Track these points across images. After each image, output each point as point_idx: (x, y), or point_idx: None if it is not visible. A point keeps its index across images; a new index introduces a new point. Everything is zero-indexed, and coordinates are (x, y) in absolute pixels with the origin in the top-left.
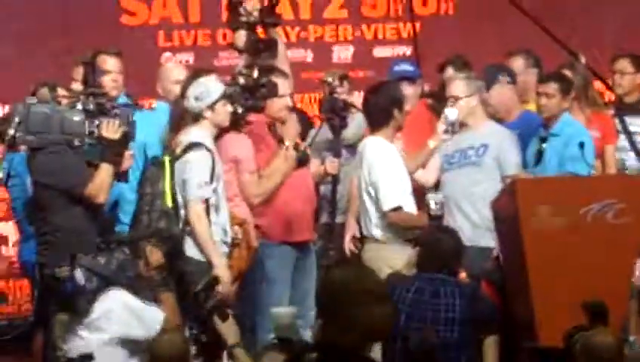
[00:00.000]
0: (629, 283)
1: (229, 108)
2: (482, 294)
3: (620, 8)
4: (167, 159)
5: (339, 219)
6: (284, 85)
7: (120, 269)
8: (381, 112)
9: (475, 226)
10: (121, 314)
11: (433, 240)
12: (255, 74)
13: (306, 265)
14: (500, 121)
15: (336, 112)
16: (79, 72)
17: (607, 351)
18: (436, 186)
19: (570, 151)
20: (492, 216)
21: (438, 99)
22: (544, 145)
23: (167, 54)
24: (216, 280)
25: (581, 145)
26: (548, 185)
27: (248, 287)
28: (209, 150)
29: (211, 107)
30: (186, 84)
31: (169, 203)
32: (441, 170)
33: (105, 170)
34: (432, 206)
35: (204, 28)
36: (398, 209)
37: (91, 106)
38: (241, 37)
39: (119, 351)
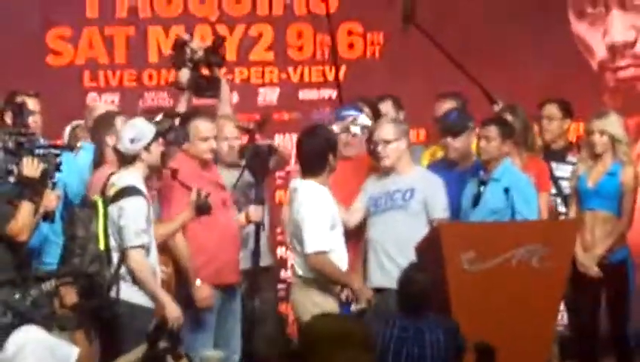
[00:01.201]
0: (553, 327)
1: (161, 148)
2: (458, 327)
3: (546, 53)
4: (99, 201)
5: (264, 263)
6: (208, 127)
7: (34, 306)
8: (317, 158)
9: (401, 269)
10: (35, 350)
11: (405, 281)
12: (158, 118)
13: (232, 308)
14: (454, 166)
15: (261, 158)
16: None
17: None
18: (360, 228)
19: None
20: (417, 260)
21: None
22: (482, 189)
23: (93, 95)
24: (164, 321)
25: (506, 190)
26: (472, 230)
27: None
28: (143, 195)
29: (147, 148)
30: (102, 126)
31: (102, 246)
32: (368, 213)
33: (26, 209)
34: None
35: (129, 68)
36: (320, 253)
37: (10, 145)
38: (184, 75)
39: None
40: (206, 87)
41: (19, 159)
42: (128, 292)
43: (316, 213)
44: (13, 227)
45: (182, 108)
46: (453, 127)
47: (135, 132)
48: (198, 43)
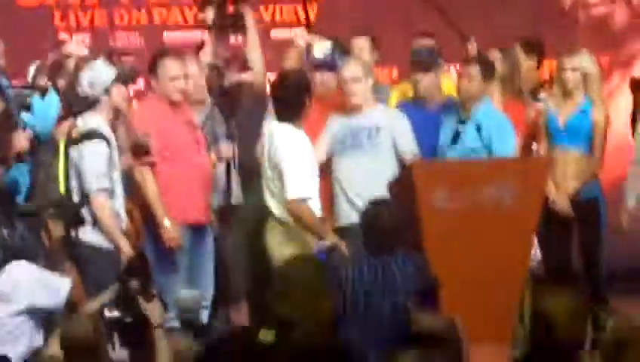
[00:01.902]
0: (525, 266)
1: (124, 89)
2: (428, 263)
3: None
4: (62, 143)
5: (235, 201)
6: (176, 67)
7: (23, 241)
8: (294, 103)
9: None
10: (29, 285)
11: (370, 218)
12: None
13: (203, 247)
14: (423, 105)
15: (230, 95)
16: None
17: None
18: (326, 166)
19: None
20: (387, 197)
21: None
22: (461, 127)
23: (64, 35)
24: (134, 262)
25: (478, 128)
26: (445, 168)
27: None
28: (104, 138)
29: (107, 91)
30: (54, 70)
31: (62, 189)
32: (333, 152)
33: None
34: None
35: (100, 8)
36: (302, 200)
37: None
38: (209, 14)
39: (26, 323)
40: (231, 24)
41: None
42: (89, 235)
43: (298, 159)
44: None
45: (208, 48)
46: (423, 62)
47: (93, 76)
48: None
